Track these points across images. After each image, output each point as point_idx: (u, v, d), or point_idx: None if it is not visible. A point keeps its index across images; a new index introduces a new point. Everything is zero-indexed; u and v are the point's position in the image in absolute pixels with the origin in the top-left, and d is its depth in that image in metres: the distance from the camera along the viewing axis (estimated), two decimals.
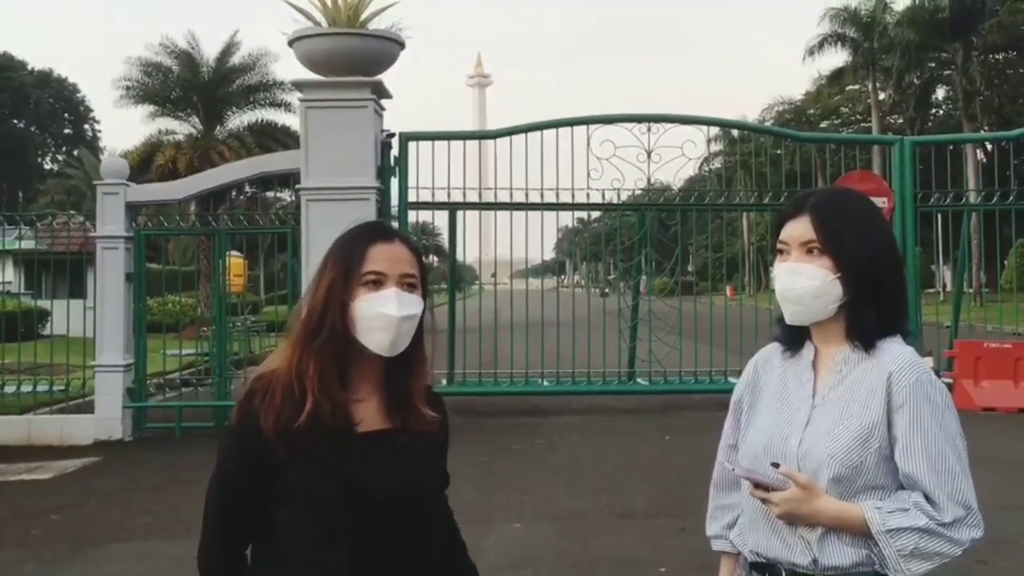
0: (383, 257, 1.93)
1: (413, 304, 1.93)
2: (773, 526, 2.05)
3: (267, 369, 1.95)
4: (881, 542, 1.93)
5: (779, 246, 2.11)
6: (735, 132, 17.67)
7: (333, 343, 1.90)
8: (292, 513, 1.87)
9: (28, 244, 13.12)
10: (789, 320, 2.11)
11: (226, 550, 1.98)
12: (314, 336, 1.91)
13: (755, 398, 2.21)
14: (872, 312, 2.04)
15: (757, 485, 2.00)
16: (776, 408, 2.13)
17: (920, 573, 1.94)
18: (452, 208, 12.80)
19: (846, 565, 1.98)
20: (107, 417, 10.94)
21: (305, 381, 1.88)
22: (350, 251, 1.95)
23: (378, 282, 1.92)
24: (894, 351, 2.04)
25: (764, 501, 2.00)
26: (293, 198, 14.55)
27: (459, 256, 14.01)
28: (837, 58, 47.17)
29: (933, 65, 45.50)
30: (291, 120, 31.77)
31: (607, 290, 14.21)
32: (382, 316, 1.89)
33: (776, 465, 2.00)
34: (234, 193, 19.68)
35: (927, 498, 1.95)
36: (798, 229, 2.06)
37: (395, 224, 11.81)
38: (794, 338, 2.16)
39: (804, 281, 2.03)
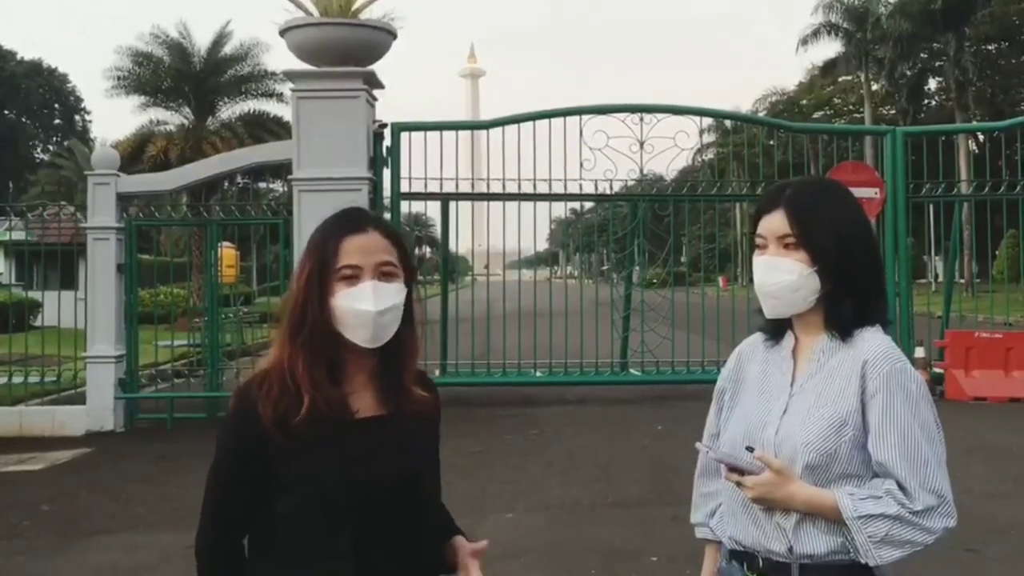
0: (356, 249, 1.92)
1: (391, 295, 1.92)
2: (750, 514, 2.06)
3: (263, 367, 1.97)
4: (853, 528, 1.94)
5: (757, 239, 2.12)
6: (728, 123, 17.66)
7: (316, 338, 1.91)
8: (294, 503, 1.89)
9: (19, 235, 13.06)
10: (768, 314, 2.12)
11: (223, 540, 1.98)
12: (299, 331, 1.92)
13: (737, 387, 2.23)
14: (849, 303, 2.05)
15: (732, 469, 2.01)
16: (756, 397, 2.14)
17: (892, 560, 1.95)
18: (445, 199, 12.78)
19: (821, 553, 1.99)
20: (99, 408, 10.92)
21: (297, 378, 1.89)
22: (323, 246, 1.94)
23: (354, 276, 1.91)
24: (871, 340, 2.05)
25: (738, 485, 2.01)
26: (285, 188, 14.52)
27: (452, 247, 14.00)
28: (830, 49, 47.26)
29: (926, 56, 45.57)
30: (283, 110, 31.65)
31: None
32: (359, 312, 1.89)
33: (751, 449, 2.01)
34: (226, 184, 19.64)
35: (900, 486, 1.96)
36: (774, 223, 2.07)
37: (388, 214, 11.81)
38: (776, 328, 2.17)
39: (781, 275, 2.04)
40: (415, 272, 2.04)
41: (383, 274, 1.93)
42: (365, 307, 1.89)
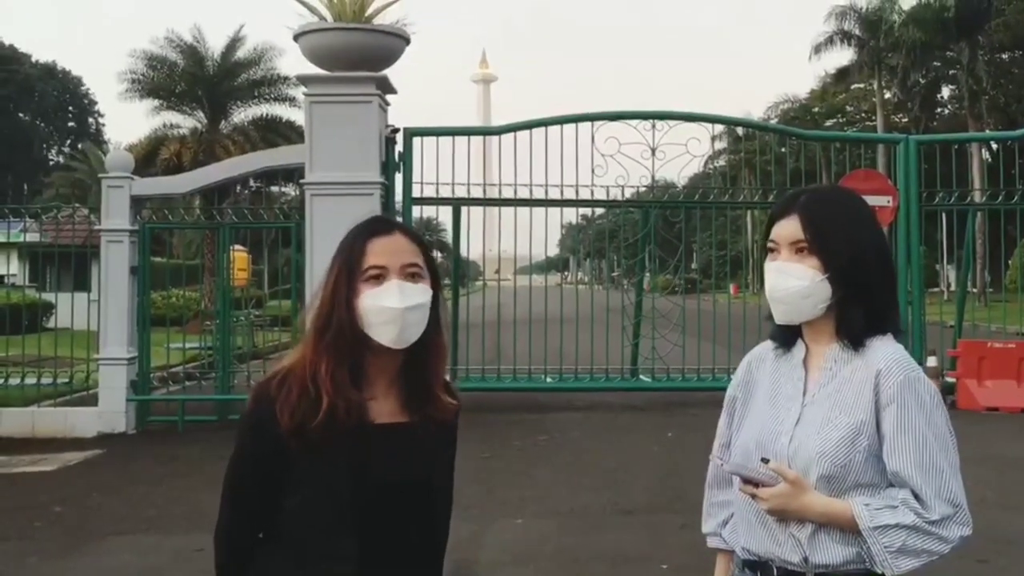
0: (382, 250, 1.94)
1: (417, 294, 1.94)
2: (764, 524, 2.05)
3: (284, 365, 1.99)
4: (869, 539, 1.93)
5: (769, 245, 2.12)
6: (740, 130, 17.63)
7: (342, 339, 1.92)
8: (302, 500, 1.92)
9: (33, 237, 13.14)
10: (778, 320, 2.12)
11: (236, 529, 2.03)
12: (323, 333, 1.94)
13: (748, 396, 2.22)
14: (860, 311, 2.04)
15: (747, 480, 2.01)
16: (768, 406, 2.13)
17: (908, 569, 1.94)
18: (456, 204, 12.80)
19: (836, 563, 1.98)
20: (111, 410, 10.96)
21: (319, 380, 1.91)
22: (351, 248, 1.96)
23: (380, 276, 1.93)
24: (883, 350, 2.04)
25: (753, 496, 2.01)
26: (297, 193, 14.56)
27: (463, 252, 14.01)
28: (843, 56, 47.14)
29: (939, 64, 45.43)
30: (296, 115, 31.79)
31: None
32: (385, 310, 1.91)
33: (766, 460, 2.01)
34: (239, 187, 19.70)
35: (915, 496, 1.96)
36: (787, 229, 2.07)
37: (399, 219, 11.83)
38: (786, 336, 2.16)
39: (792, 281, 2.04)
40: (440, 278, 2.05)
41: (409, 275, 1.95)
42: (391, 304, 1.90)
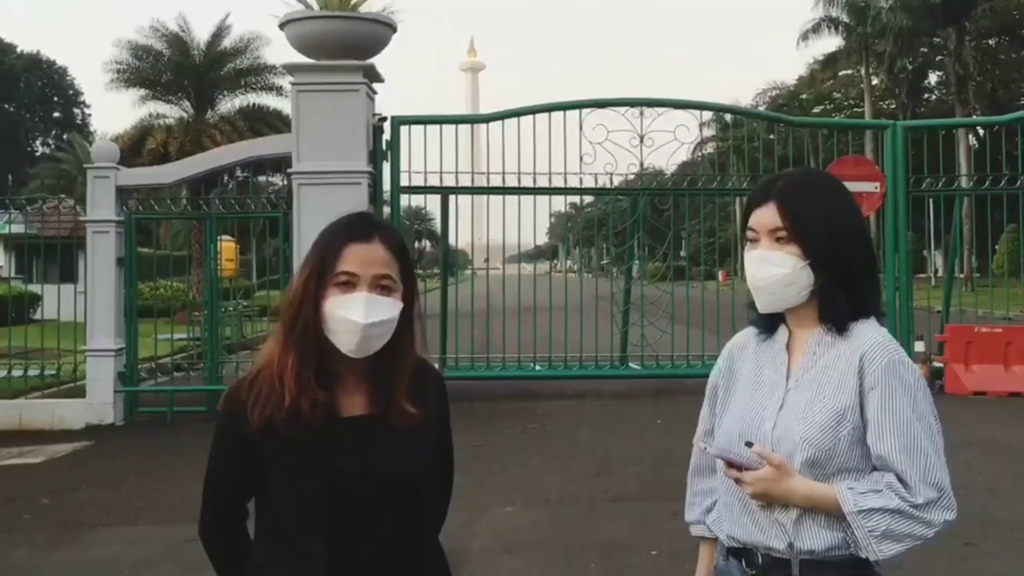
0: (357, 258, 1.91)
1: (384, 309, 1.91)
2: (748, 511, 2.04)
3: (256, 365, 2.01)
4: (853, 523, 1.92)
5: (748, 233, 2.10)
6: (728, 117, 17.61)
7: (307, 337, 1.91)
8: (279, 500, 1.93)
9: (19, 228, 13.06)
10: (762, 309, 2.10)
11: (217, 524, 2.06)
12: (292, 328, 1.93)
13: (731, 383, 2.21)
14: (843, 296, 2.03)
15: (731, 464, 2.00)
16: (751, 392, 2.12)
17: (892, 554, 1.93)
18: (444, 192, 12.76)
19: (822, 548, 1.97)
20: (98, 401, 10.92)
21: (284, 378, 1.90)
22: (326, 248, 1.94)
23: (350, 283, 1.91)
24: (866, 333, 2.03)
25: (737, 480, 1.99)
26: (285, 182, 14.51)
27: (451, 241, 13.98)
28: (830, 43, 47.25)
29: (926, 50, 45.56)
30: (283, 104, 31.66)
31: None
32: (347, 321, 1.89)
33: (750, 444, 1.99)
34: (226, 177, 19.63)
35: (900, 480, 1.95)
36: (766, 216, 2.05)
37: (387, 209, 11.79)
38: (768, 322, 2.15)
39: (774, 269, 2.03)
40: (416, 288, 2.03)
41: (380, 287, 1.92)
42: (354, 317, 1.88)
